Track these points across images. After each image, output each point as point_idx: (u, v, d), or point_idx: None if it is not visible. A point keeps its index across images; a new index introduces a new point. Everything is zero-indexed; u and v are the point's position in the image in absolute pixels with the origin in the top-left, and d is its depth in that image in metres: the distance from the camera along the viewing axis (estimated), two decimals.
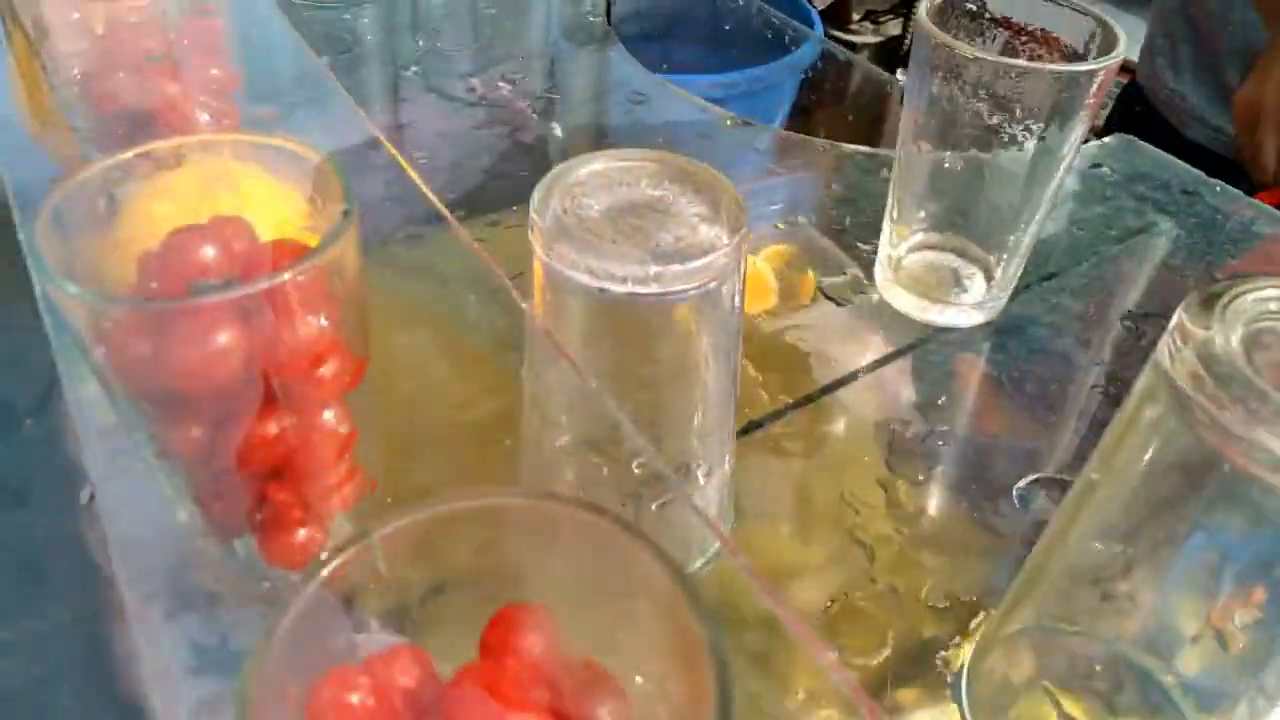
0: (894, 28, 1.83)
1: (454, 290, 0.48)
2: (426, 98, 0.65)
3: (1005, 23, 0.47)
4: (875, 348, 0.50)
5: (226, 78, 0.44)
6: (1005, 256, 0.48)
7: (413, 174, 0.47)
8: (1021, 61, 0.41)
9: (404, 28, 0.74)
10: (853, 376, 0.48)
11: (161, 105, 0.42)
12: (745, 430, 0.44)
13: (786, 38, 0.96)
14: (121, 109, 0.42)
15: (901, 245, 0.51)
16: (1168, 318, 0.25)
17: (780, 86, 1.02)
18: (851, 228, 0.57)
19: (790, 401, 0.46)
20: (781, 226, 0.58)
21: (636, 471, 0.33)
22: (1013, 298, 0.51)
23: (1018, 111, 0.43)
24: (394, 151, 0.50)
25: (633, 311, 0.30)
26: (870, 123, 0.85)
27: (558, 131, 0.66)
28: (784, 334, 0.51)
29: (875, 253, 0.54)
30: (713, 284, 0.30)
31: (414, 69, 0.68)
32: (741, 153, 0.64)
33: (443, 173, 0.60)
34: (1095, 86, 0.41)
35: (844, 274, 0.54)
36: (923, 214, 0.50)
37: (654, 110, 0.68)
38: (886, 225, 0.51)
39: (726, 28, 1.04)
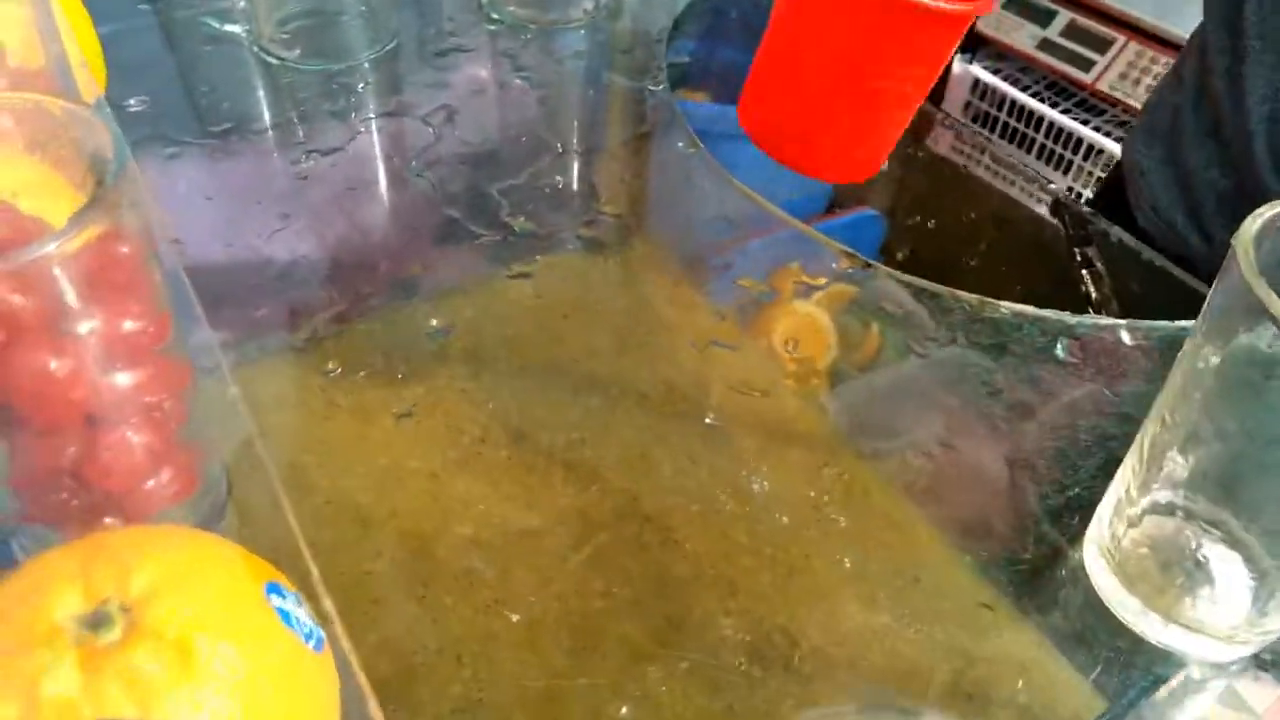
0: None
1: None
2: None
3: None
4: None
5: (148, 330, 0.28)
6: None
7: None
8: None
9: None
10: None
11: (35, 388, 0.26)
12: None
13: None
14: None
15: (1138, 503, 0.35)
16: None
17: None
18: (1041, 463, 0.41)
19: None
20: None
21: None
22: None
23: None
24: None
25: None
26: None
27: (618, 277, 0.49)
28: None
29: (1074, 509, 0.39)
30: None
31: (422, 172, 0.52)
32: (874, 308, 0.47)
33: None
34: None
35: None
36: (1180, 460, 0.34)
37: (743, 236, 0.51)
38: (1126, 472, 0.35)
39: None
